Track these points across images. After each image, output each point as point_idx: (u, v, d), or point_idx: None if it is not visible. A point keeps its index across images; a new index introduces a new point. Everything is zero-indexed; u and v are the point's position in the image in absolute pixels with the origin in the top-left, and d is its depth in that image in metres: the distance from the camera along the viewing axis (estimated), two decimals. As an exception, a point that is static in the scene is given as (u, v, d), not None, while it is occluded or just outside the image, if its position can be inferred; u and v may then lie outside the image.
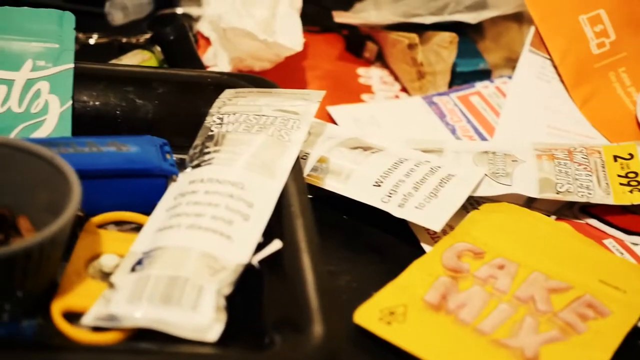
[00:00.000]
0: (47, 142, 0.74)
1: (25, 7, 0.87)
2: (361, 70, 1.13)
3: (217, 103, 0.85)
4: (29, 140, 0.69)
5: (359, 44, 1.15)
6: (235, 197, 0.72)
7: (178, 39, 1.00)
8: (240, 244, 0.68)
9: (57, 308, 0.64)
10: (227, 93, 0.87)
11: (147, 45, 1.04)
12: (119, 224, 0.76)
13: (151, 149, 0.78)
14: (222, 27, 0.98)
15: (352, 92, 1.08)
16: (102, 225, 0.74)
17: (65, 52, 0.86)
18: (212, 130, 0.81)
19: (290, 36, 1.00)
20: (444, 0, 1.09)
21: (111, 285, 0.66)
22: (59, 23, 0.87)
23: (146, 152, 0.77)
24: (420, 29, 1.08)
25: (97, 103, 0.87)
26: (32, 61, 0.85)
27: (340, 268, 0.77)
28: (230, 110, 0.83)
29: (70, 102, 0.83)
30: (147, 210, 0.76)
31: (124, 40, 1.08)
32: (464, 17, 1.06)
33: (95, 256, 0.69)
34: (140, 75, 0.90)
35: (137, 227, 0.75)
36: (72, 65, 0.85)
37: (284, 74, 1.05)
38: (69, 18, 0.88)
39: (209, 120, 0.83)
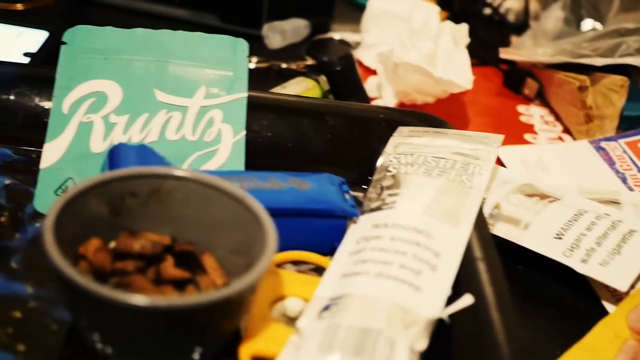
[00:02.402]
0: (229, 175, 0.72)
1: (199, 33, 0.86)
2: (521, 108, 1.11)
3: (392, 141, 0.83)
4: (214, 174, 0.68)
5: (519, 80, 1.13)
6: (422, 245, 0.70)
7: (345, 70, 0.99)
8: (430, 296, 0.66)
9: (246, 353, 0.63)
10: (401, 131, 0.85)
11: (309, 73, 1.02)
12: (296, 263, 0.74)
13: (331, 188, 0.76)
14: (393, 61, 0.96)
15: (515, 131, 1.06)
16: (280, 264, 0.72)
17: (239, 81, 0.84)
18: (389, 171, 0.79)
19: (460, 73, 0.98)
20: (611, 41, 1.05)
21: (298, 332, 0.64)
22: (232, 50, 0.86)
23: (327, 191, 0.76)
24: (585, 70, 1.05)
25: (268, 134, 0.86)
26: (206, 88, 0.84)
27: (520, 322, 0.74)
28: (407, 151, 0.81)
29: (244, 132, 0.82)
30: (324, 250, 0.74)
31: (284, 65, 1.07)
32: (637, 60, 1.02)
33: (279, 298, 0.68)
34: (313, 108, 0.88)
35: (315, 268, 0.74)
36: (245, 94, 0.84)
37: (446, 109, 1.03)
38: (243, 45, 0.87)
39: (385, 160, 0.81)
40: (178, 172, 0.67)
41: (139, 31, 0.86)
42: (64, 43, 0.84)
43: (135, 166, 0.69)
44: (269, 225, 0.63)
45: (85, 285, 0.55)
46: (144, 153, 0.73)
